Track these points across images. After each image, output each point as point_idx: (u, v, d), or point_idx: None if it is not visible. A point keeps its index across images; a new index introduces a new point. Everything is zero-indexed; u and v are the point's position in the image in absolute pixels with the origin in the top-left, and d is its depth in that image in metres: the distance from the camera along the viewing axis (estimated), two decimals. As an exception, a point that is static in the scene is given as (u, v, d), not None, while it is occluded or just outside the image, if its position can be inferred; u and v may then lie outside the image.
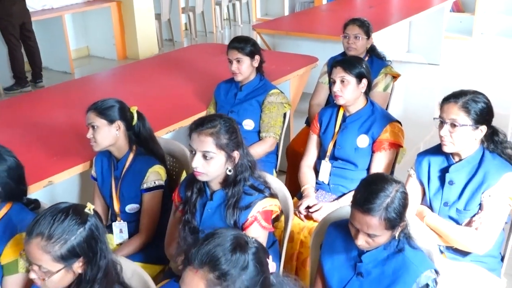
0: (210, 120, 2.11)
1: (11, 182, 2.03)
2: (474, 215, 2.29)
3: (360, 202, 1.78)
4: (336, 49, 4.14)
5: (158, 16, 8.65)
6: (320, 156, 2.97)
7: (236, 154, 2.12)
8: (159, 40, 8.79)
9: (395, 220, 1.77)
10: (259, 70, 3.28)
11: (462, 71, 7.42)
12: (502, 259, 2.46)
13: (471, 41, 8.84)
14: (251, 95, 3.24)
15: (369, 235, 1.79)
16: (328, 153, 2.90)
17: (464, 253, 2.34)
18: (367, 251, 1.88)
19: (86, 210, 1.63)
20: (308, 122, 3.89)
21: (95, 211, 1.66)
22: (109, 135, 2.49)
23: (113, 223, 2.62)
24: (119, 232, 2.61)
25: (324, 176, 2.91)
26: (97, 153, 2.68)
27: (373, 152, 2.80)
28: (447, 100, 2.31)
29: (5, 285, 1.98)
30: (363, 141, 2.82)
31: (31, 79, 7.09)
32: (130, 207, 2.58)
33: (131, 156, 2.57)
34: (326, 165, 2.90)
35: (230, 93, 3.33)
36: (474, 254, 2.32)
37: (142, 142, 2.61)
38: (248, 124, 3.18)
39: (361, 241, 1.81)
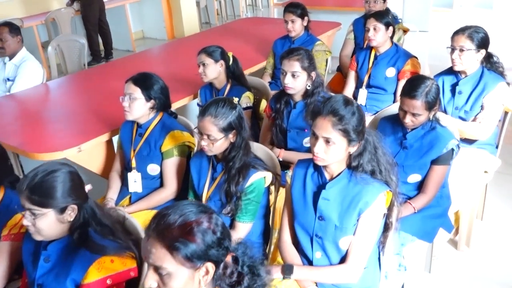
0: (296, 50, 2.56)
1: (162, 97, 2.46)
2: (477, 114, 2.74)
3: (408, 91, 2.21)
4: (346, 18, 4.59)
5: (197, 4, 9.01)
6: (357, 86, 3.42)
7: (313, 74, 2.57)
8: (199, 23, 9.16)
9: (432, 103, 2.19)
10: (306, 27, 3.71)
11: (446, 36, 7.69)
12: (497, 146, 2.91)
13: (452, 13, 9.15)
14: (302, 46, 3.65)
15: (413, 115, 2.21)
16: (365, 83, 3.34)
17: (471, 142, 2.79)
18: (410, 131, 2.32)
19: (234, 101, 2.09)
20: (340, 69, 4.32)
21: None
22: (215, 70, 2.93)
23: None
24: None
25: (362, 99, 3.35)
26: (200, 87, 3.14)
27: (398, 80, 3.23)
28: (456, 33, 2.73)
29: (164, 165, 2.44)
30: (390, 72, 3.25)
31: (103, 56, 7.51)
32: (229, 124, 3.02)
33: (228, 86, 3.00)
34: (363, 91, 3.34)
35: (285, 46, 3.72)
36: (478, 141, 2.77)
37: (236, 77, 3.03)
38: (301, 67, 3.60)
39: (408, 120, 2.24)
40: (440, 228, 2.39)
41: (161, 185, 2.49)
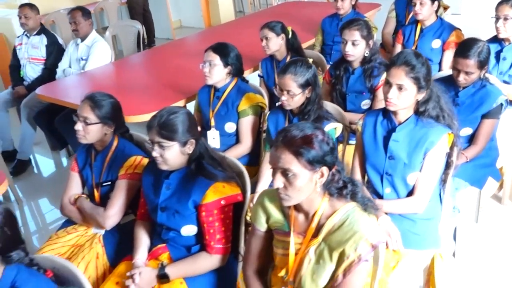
0: (356, 20, 2.84)
1: (238, 63, 2.77)
2: (521, 78, 2.99)
3: (462, 51, 2.47)
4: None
5: (232, -8, 9.34)
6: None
7: (371, 42, 2.85)
8: (234, 12, 9.47)
9: (483, 62, 2.46)
10: (354, 6, 3.98)
11: (477, 18, 7.90)
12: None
13: (483, -4, 9.28)
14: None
15: (466, 73, 2.48)
16: (411, 54, 3.60)
17: (514, 103, 3.05)
18: (462, 89, 2.59)
19: (309, 62, 2.39)
20: (382, 45, 4.57)
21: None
22: (277, 43, 3.23)
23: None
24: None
25: (409, 70, 3.61)
26: (261, 60, 3.45)
27: (443, 50, 3.48)
28: (500, 3, 2.98)
29: (240, 123, 2.76)
30: (436, 43, 3.49)
31: (146, 43, 7.88)
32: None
33: (288, 58, 3.28)
34: (410, 62, 3.60)
35: (333, 24, 4.01)
36: (522, 104, 3.02)
37: (294, 49, 3.31)
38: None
39: (461, 78, 2.50)
40: (489, 177, 2.66)
41: (237, 141, 2.81)
